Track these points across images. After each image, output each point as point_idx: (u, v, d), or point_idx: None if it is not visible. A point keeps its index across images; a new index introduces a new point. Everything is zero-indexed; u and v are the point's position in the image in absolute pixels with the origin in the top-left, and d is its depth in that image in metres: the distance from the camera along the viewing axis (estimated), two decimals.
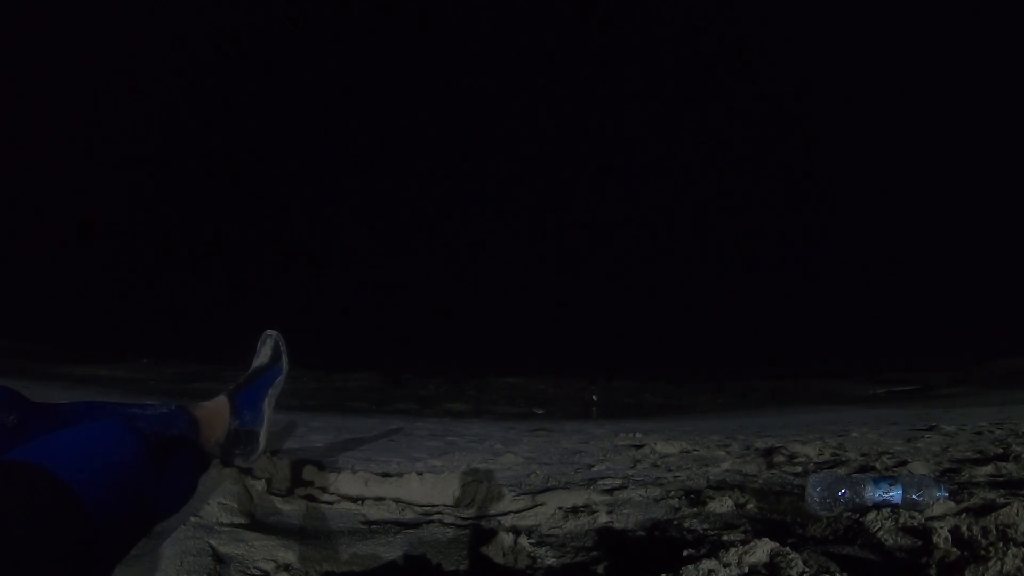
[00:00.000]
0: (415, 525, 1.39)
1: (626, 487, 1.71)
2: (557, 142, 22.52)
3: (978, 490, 1.42)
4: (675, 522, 1.36)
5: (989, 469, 1.74)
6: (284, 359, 1.55)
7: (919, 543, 1.07)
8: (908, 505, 1.30)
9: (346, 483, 1.69)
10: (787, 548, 0.98)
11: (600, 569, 1.09)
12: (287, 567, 1.11)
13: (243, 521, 1.32)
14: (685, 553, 1.07)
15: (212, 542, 1.17)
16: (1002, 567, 0.88)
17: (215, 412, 1.33)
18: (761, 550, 0.98)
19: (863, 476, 1.40)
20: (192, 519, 1.26)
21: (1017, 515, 1.11)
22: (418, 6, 20.60)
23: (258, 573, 1.09)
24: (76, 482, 0.60)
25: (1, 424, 0.77)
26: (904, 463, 1.92)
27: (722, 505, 1.44)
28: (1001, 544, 0.93)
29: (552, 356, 12.58)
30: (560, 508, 1.48)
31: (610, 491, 1.66)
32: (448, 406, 5.89)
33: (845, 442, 2.59)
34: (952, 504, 1.31)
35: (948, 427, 2.95)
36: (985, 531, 1.06)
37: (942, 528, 1.07)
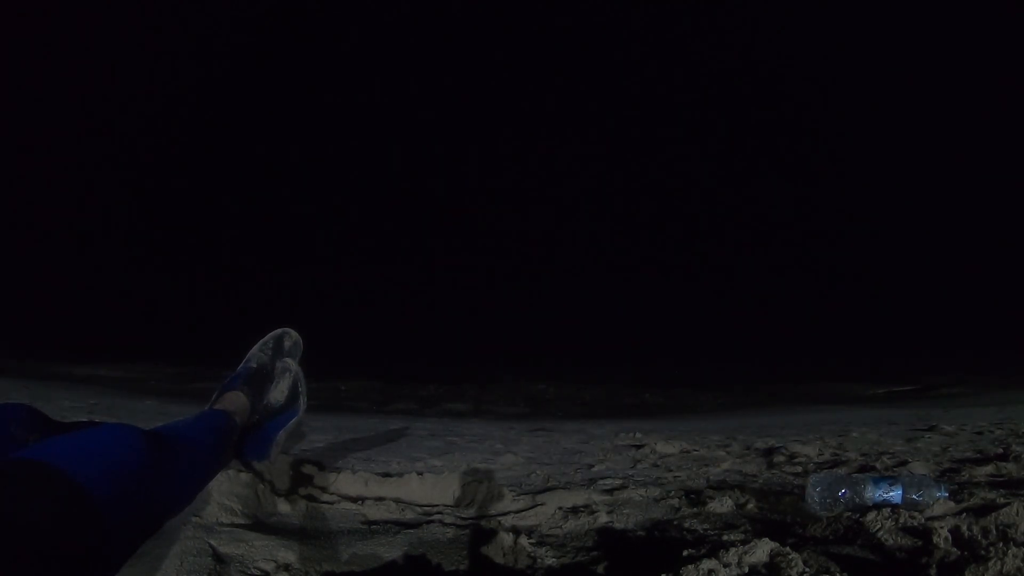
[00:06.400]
0: (415, 525, 1.39)
1: (626, 487, 1.71)
2: (556, 143, 22.54)
3: (978, 490, 1.42)
4: (675, 522, 1.36)
5: (989, 469, 1.74)
6: (302, 400, 1.44)
7: (919, 543, 1.07)
8: (908, 505, 1.30)
9: (346, 483, 1.69)
10: (787, 548, 0.98)
11: (600, 569, 1.09)
12: (287, 567, 1.11)
13: (243, 521, 1.32)
14: (685, 553, 1.07)
15: (212, 542, 1.17)
16: (1002, 567, 0.88)
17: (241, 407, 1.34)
18: (761, 550, 0.98)
19: (863, 476, 1.40)
20: (192, 519, 1.26)
21: (1017, 515, 1.11)
22: (425, 6, 20.59)
23: (258, 573, 1.09)
24: (86, 479, 0.61)
25: (23, 443, 0.77)
26: (904, 463, 1.92)
27: (722, 505, 1.44)
28: (1001, 544, 0.93)
29: (552, 356, 12.58)
30: (560, 508, 1.48)
31: (610, 491, 1.66)
32: (448, 406, 5.89)
33: (845, 442, 2.59)
34: (952, 504, 1.31)
35: (948, 427, 2.95)
36: (985, 531, 1.06)
37: (942, 528, 1.07)
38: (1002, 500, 1.28)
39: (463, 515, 1.50)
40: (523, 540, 1.22)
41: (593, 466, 2.21)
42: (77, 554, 0.57)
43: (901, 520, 1.16)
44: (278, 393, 1.45)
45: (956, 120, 18.64)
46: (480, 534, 1.29)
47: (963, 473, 1.72)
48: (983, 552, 0.93)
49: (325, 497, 1.61)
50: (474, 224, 22.00)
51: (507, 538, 1.21)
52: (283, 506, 1.46)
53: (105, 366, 7.38)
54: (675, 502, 1.53)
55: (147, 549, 1.11)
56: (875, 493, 1.34)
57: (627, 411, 5.93)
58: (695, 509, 1.45)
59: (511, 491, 1.64)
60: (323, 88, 21.70)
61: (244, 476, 1.45)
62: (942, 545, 1.02)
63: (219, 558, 1.12)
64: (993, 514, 1.14)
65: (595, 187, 22.84)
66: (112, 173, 19.19)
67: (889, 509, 1.22)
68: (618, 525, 1.35)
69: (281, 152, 21.57)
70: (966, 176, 18.65)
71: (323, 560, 1.16)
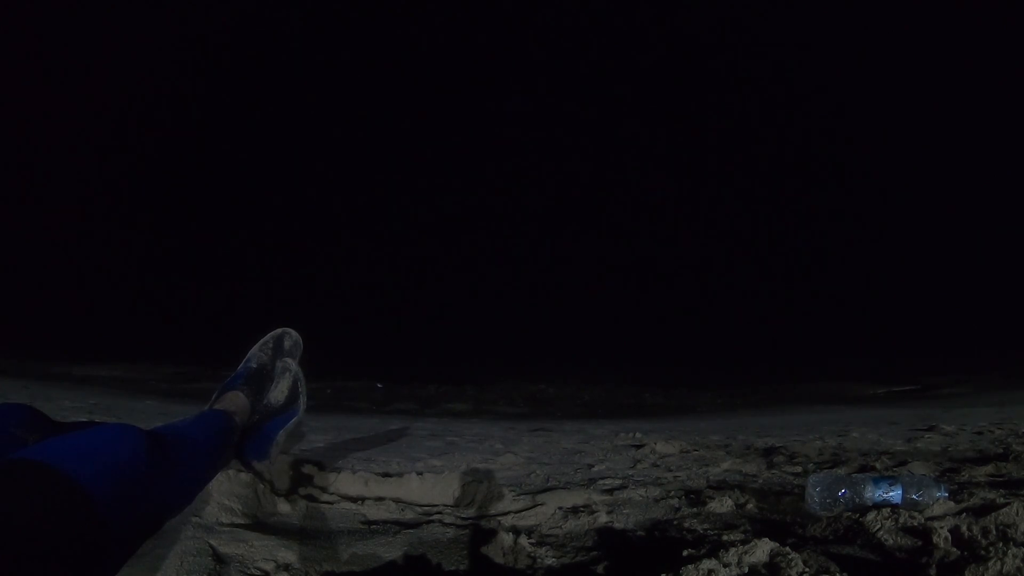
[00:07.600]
0: (415, 525, 1.39)
1: (626, 487, 1.71)
2: (555, 143, 22.57)
3: (978, 490, 1.42)
4: (675, 522, 1.36)
5: (989, 469, 1.74)
6: (302, 400, 1.44)
7: (919, 543, 1.07)
8: (908, 505, 1.30)
9: (346, 483, 1.69)
10: (787, 548, 0.98)
11: (600, 569, 1.09)
12: (287, 567, 1.11)
13: (243, 521, 1.32)
14: (685, 553, 1.07)
15: (212, 542, 1.17)
16: (1002, 567, 0.88)
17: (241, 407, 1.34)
18: (761, 550, 0.98)
19: (863, 476, 1.40)
20: (192, 519, 1.26)
21: (1017, 515, 1.11)
22: (423, 11, 20.62)
23: (258, 573, 1.09)
24: (86, 479, 0.61)
25: (23, 443, 0.77)
26: (904, 463, 1.92)
27: (722, 505, 1.44)
28: (1001, 544, 0.93)
29: (552, 356, 12.58)
30: (560, 508, 1.48)
31: (610, 491, 1.66)
32: (448, 406, 5.89)
33: (845, 442, 2.59)
34: (952, 504, 1.31)
35: (948, 427, 2.95)
36: (985, 531, 1.06)
37: (942, 528, 1.07)
38: (1002, 500, 1.28)
39: (463, 515, 1.50)
40: (523, 540, 1.22)
41: (593, 466, 2.21)
42: (77, 554, 0.57)
43: (901, 520, 1.16)
44: (278, 393, 1.44)
45: (956, 121, 18.65)
46: (480, 534, 1.29)
47: (963, 473, 1.72)
48: (983, 552, 0.93)
49: (325, 497, 1.61)
50: (474, 224, 22.02)
51: (507, 538, 1.21)
52: (283, 506, 1.46)
53: (105, 366, 7.38)
54: (675, 502, 1.53)
55: (147, 549, 1.11)
56: (875, 493, 1.34)
57: (627, 411, 5.93)
58: (695, 509, 1.45)
59: (511, 491, 1.64)
60: (324, 90, 21.73)
61: (244, 476, 1.45)
62: (942, 545, 1.02)
63: (219, 558, 1.12)
64: (993, 514, 1.14)
65: (594, 187, 22.86)
66: (112, 173, 19.20)
67: (889, 509, 1.21)
68: (618, 525, 1.35)
69: (282, 153, 21.60)
70: (966, 177, 18.67)
71: (323, 560, 1.16)
